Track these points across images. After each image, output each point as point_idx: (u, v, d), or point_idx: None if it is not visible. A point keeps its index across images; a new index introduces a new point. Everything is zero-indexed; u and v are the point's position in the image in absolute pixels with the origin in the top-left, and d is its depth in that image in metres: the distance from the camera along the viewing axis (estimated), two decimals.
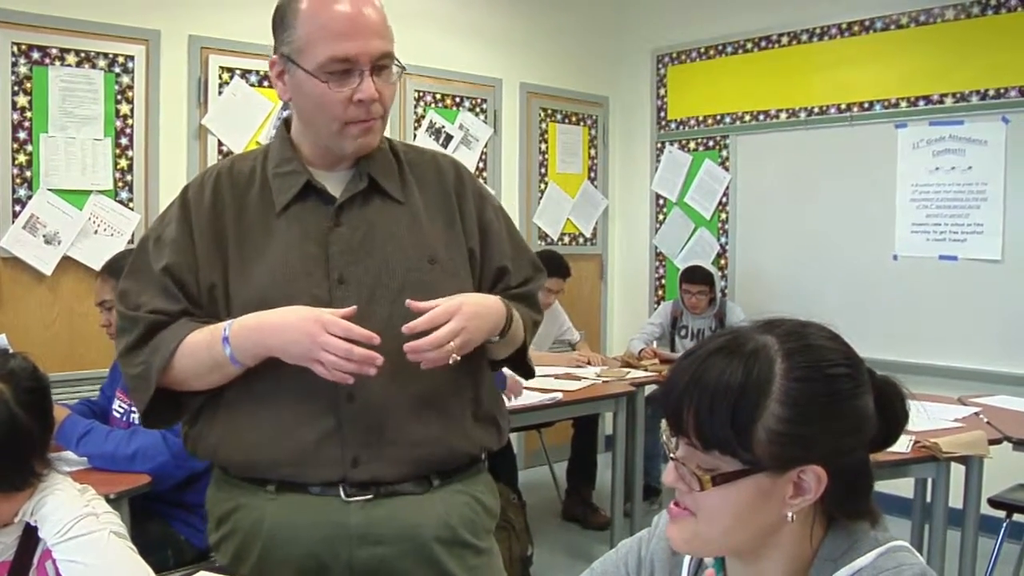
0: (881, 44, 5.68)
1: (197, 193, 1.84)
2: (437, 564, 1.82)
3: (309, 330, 1.64)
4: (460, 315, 1.71)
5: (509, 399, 3.84)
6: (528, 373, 2.14)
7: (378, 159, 1.87)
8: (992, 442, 3.33)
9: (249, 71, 5.07)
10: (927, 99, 5.47)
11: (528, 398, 4.02)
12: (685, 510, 1.18)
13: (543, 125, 6.70)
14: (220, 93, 5.00)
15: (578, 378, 4.65)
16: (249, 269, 1.79)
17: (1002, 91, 5.19)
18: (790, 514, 1.15)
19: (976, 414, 3.77)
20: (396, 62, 1.79)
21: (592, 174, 7.07)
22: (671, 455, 1.18)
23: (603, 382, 4.63)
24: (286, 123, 1.90)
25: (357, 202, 1.84)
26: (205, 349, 1.73)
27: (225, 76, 5.01)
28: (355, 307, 1.69)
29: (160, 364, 1.73)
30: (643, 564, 1.39)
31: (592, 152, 7.07)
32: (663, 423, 1.19)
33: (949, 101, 5.39)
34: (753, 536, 1.17)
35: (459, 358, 1.72)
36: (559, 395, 4.17)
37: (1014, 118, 5.15)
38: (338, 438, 1.76)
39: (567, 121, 6.88)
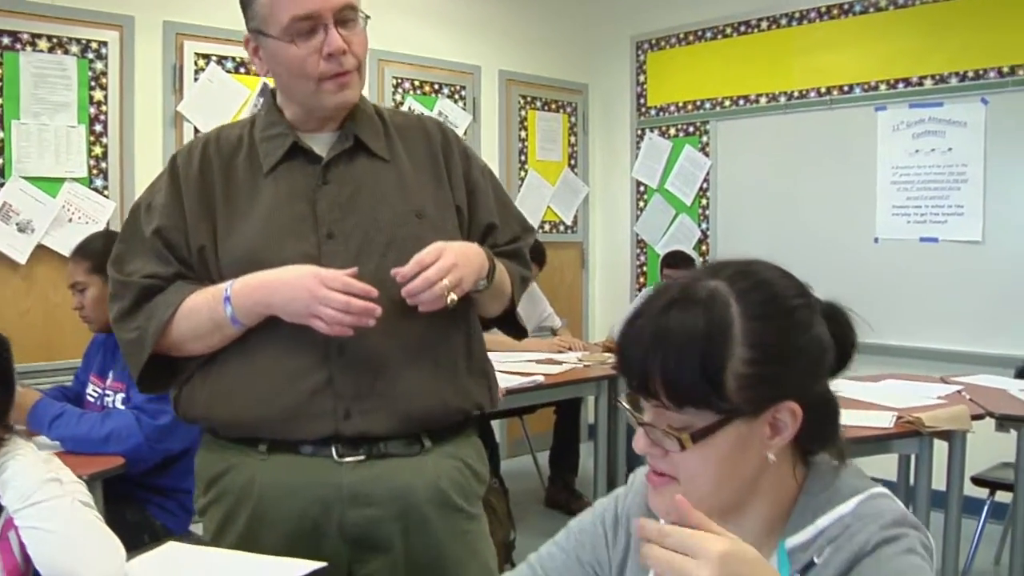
0: (860, 27, 5.67)
1: (185, 160, 1.86)
2: (428, 527, 1.83)
3: (308, 285, 1.67)
4: (448, 254, 1.73)
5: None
6: (520, 332, 2.15)
7: (363, 120, 1.89)
8: (974, 418, 3.32)
9: (225, 57, 5.03)
10: (906, 82, 5.47)
11: (509, 381, 3.98)
12: (665, 476, 1.16)
13: (522, 112, 6.67)
14: (196, 79, 4.95)
15: (559, 363, 4.63)
16: (237, 229, 1.80)
17: (981, 72, 5.20)
18: (771, 455, 1.13)
19: (958, 392, 3.76)
20: (361, 13, 1.81)
21: (572, 161, 7.04)
22: (639, 422, 1.16)
23: (584, 366, 4.60)
24: (272, 93, 1.92)
25: (343, 160, 1.86)
26: (205, 311, 1.75)
27: (201, 62, 4.97)
28: (355, 268, 1.71)
29: (156, 328, 1.75)
30: (620, 520, 1.36)
31: (572, 139, 7.04)
32: (623, 392, 1.17)
33: (928, 83, 5.39)
34: (739, 487, 1.15)
35: (456, 299, 1.74)
36: (540, 378, 4.14)
37: (993, 99, 5.15)
38: (330, 391, 1.76)
39: (547, 108, 6.85)
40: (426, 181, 1.92)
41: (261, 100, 1.91)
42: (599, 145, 7.20)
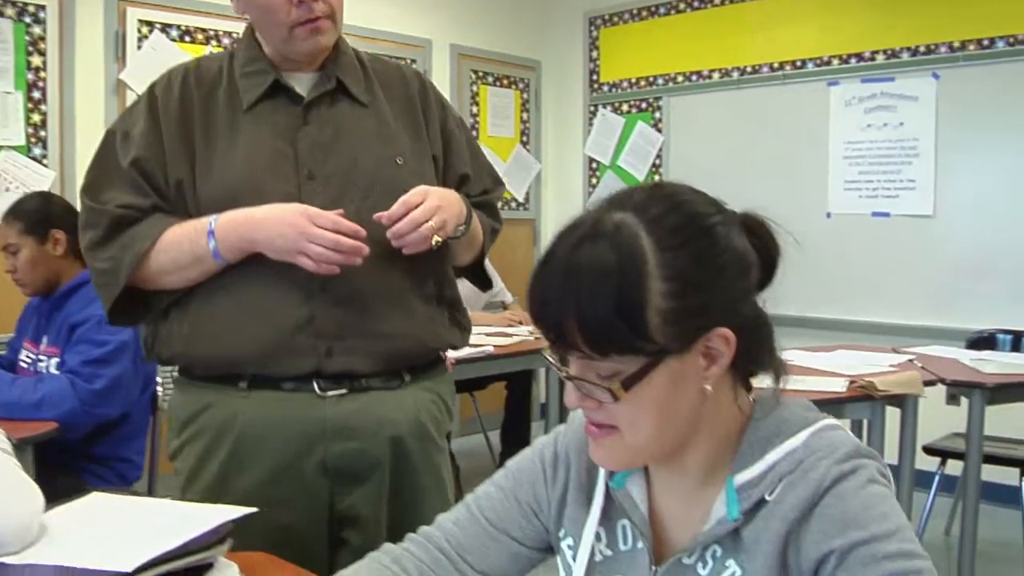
0: (813, 3, 5.66)
1: (164, 90, 1.83)
2: (408, 458, 1.85)
3: (296, 222, 1.67)
4: (432, 196, 1.74)
5: None
6: (487, 283, 2.16)
7: (344, 63, 1.89)
8: (926, 384, 3.31)
9: (170, 25, 4.90)
10: (859, 57, 5.47)
11: (458, 352, 3.91)
12: (603, 427, 1.09)
13: (474, 88, 6.59)
14: (139, 47, 4.82)
15: (509, 336, 4.56)
16: (217, 165, 1.78)
17: (932, 47, 5.21)
18: (708, 387, 1.06)
19: (910, 361, 3.75)
20: None
21: (524, 138, 6.97)
22: (564, 375, 1.08)
23: (535, 339, 4.53)
24: (251, 27, 1.90)
25: (325, 102, 1.85)
26: (186, 244, 1.73)
27: (144, 30, 4.83)
28: (342, 210, 1.71)
29: (133, 259, 1.73)
30: (559, 457, 1.28)
31: (524, 116, 6.97)
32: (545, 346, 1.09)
33: (880, 58, 5.39)
34: (682, 426, 1.09)
35: (440, 240, 1.75)
36: (490, 348, 4.08)
37: (944, 74, 5.16)
38: (312, 329, 1.75)
39: (499, 84, 6.77)
40: (404, 127, 1.92)
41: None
42: (551, 121, 7.13)
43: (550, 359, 1.10)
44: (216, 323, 1.77)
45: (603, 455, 1.12)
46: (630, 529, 1.20)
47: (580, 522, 1.23)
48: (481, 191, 2.04)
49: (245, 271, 1.75)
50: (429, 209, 1.72)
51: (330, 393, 1.78)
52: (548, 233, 6.97)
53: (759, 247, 1.10)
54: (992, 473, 3.70)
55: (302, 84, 1.85)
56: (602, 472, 1.22)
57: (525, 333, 4.70)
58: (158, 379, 3.26)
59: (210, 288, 1.77)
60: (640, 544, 1.18)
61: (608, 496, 1.22)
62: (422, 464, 1.87)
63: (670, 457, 1.13)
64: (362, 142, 1.84)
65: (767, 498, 1.07)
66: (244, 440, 1.77)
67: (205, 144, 1.80)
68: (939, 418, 3.91)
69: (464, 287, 5.46)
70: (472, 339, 4.18)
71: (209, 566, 1.34)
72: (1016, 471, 4.05)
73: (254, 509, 1.50)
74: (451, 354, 3.77)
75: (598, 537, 1.22)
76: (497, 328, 4.83)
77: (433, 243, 1.73)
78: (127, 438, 3.08)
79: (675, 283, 1.00)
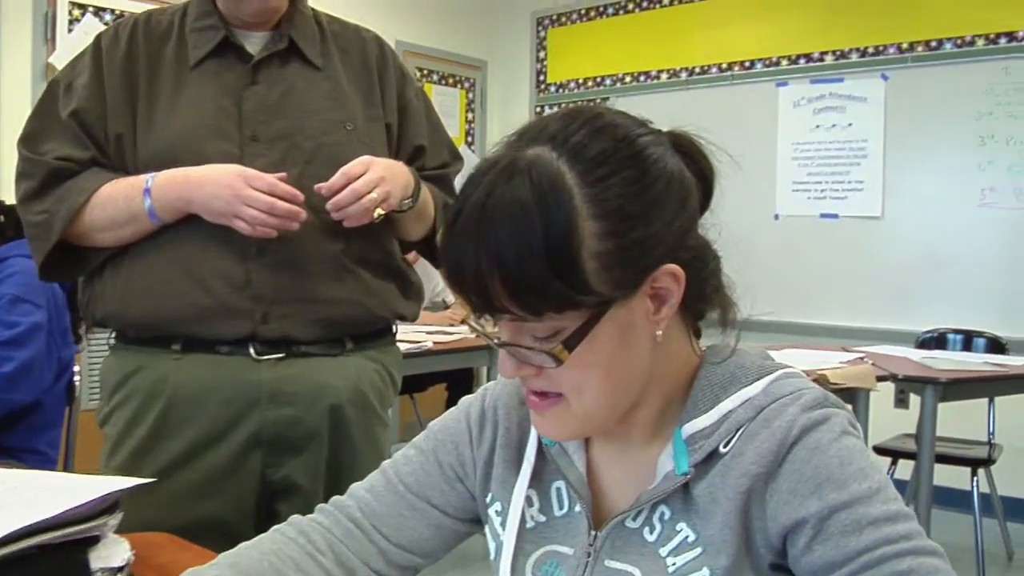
0: (761, 3, 5.61)
1: (111, 42, 1.78)
2: (347, 428, 1.78)
3: (232, 183, 1.62)
4: (375, 167, 1.68)
5: None
6: (438, 260, 2.00)
7: (300, 23, 1.83)
8: (878, 380, 3.21)
9: (104, 9, 4.72)
10: (807, 57, 5.43)
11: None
12: (548, 396, 0.94)
13: (419, 85, 6.43)
14: (70, 31, 4.62)
15: (450, 333, 4.42)
16: (158, 121, 1.73)
17: (881, 48, 5.18)
18: (660, 332, 0.92)
19: (860, 358, 3.66)
20: None
21: (469, 138, 6.84)
22: (495, 343, 0.93)
23: (476, 336, 4.39)
24: None
25: (275, 62, 1.79)
26: (122, 201, 1.68)
27: (76, 12, 4.65)
28: (283, 173, 1.65)
29: (67, 214, 1.68)
30: (486, 414, 1.13)
31: (469, 115, 6.84)
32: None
33: (829, 59, 5.36)
34: (634, 384, 0.95)
35: (383, 213, 1.70)
36: (429, 344, 3.92)
37: (893, 75, 5.14)
38: (248, 292, 1.69)
39: (444, 83, 6.63)
40: (358, 93, 1.85)
41: None
42: (497, 122, 6.99)
43: (477, 327, 0.94)
44: (150, 282, 1.70)
45: (549, 427, 0.97)
46: (565, 491, 1.05)
47: (509, 485, 1.08)
48: (439, 164, 1.97)
49: (181, 230, 1.69)
50: (371, 180, 1.66)
51: (266, 357, 1.72)
52: None
53: (693, 168, 0.96)
54: (941, 476, 3.63)
55: (253, 43, 1.78)
56: (534, 428, 1.07)
57: (466, 331, 4.57)
58: (75, 367, 3.07)
59: (145, 247, 1.71)
60: (577, 507, 1.03)
61: (541, 455, 1.07)
62: (361, 435, 1.80)
63: (625, 417, 0.99)
64: (311, 105, 1.78)
65: (722, 450, 0.94)
66: (174, 404, 1.70)
67: (148, 99, 1.74)
68: (888, 420, 3.84)
69: None
70: (411, 336, 4.13)
71: (95, 540, 1.17)
72: (967, 474, 3.99)
73: (150, 480, 1.35)
74: None
75: (529, 501, 1.07)
76: (438, 327, 4.69)
77: (375, 216, 1.68)
78: (38, 428, 2.88)
79: (609, 219, 0.86)
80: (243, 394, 1.70)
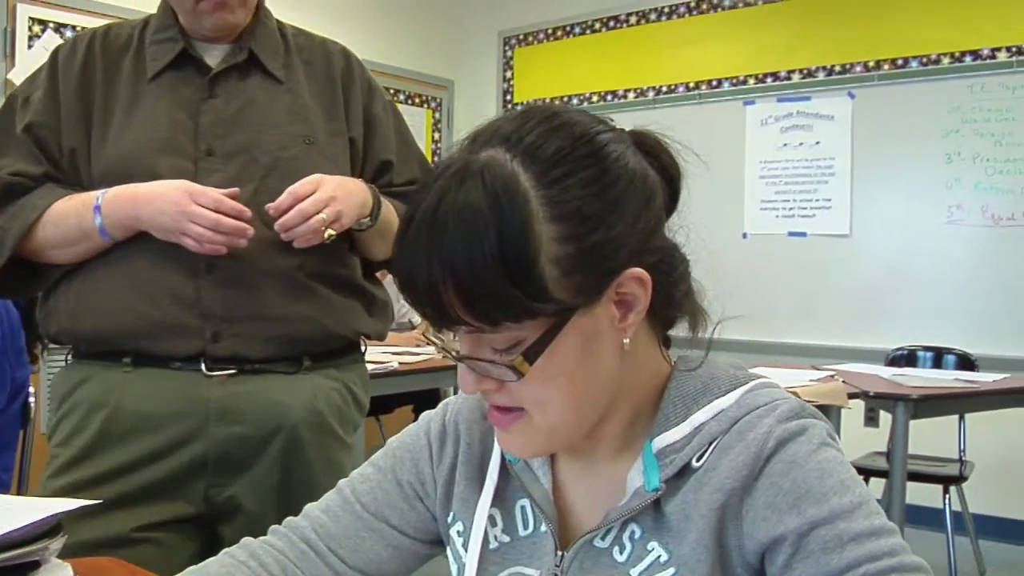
0: (729, 22, 5.61)
1: (68, 55, 1.75)
2: (300, 450, 1.71)
3: (177, 200, 1.58)
4: (325, 185, 1.63)
5: None
6: None
7: (262, 35, 1.79)
8: (849, 396, 3.18)
9: (64, 25, 4.66)
10: (774, 76, 5.43)
11: None
12: (511, 411, 0.89)
13: (388, 99, 6.38)
14: (30, 47, 4.56)
15: (416, 354, 4.35)
16: (113, 134, 1.69)
17: (848, 67, 5.19)
18: (627, 340, 0.87)
19: (831, 376, 3.63)
20: None
21: (436, 158, 6.74)
22: (453, 357, 0.88)
23: (443, 356, 4.33)
24: None
25: (235, 75, 1.75)
26: (74, 218, 1.64)
27: (36, 28, 4.59)
28: (236, 189, 1.61)
29: (19, 231, 1.65)
30: (447, 430, 1.07)
31: (436, 135, 6.80)
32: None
33: (796, 77, 5.36)
34: (601, 396, 0.90)
35: (334, 234, 1.63)
36: (395, 364, 3.85)
37: (860, 93, 5.15)
38: (197, 309, 1.65)
39: (410, 102, 6.59)
40: (320, 107, 1.80)
41: None
42: None
43: (435, 340, 0.90)
44: (99, 298, 1.66)
45: (514, 443, 0.92)
46: (531, 509, 1.00)
47: (471, 503, 1.02)
48: (408, 180, 1.90)
49: (132, 247, 1.65)
50: (320, 200, 1.60)
51: (217, 373, 1.67)
52: None
53: (657, 167, 0.91)
54: (912, 494, 3.60)
55: (213, 55, 1.75)
56: (497, 444, 1.02)
57: (433, 352, 4.51)
58: (31, 388, 2.97)
59: (96, 263, 1.68)
60: (543, 527, 0.97)
61: (504, 472, 1.02)
62: (317, 460, 1.73)
63: (592, 431, 0.93)
64: (270, 119, 1.73)
65: (694, 464, 0.89)
66: (118, 416, 1.65)
67: (103, 112, 1.71)
68: (857, 439, 3.80)
69: None
70: (377, 356, 4.05)
71: (35, 566, 1.11)
72: (938, 492, 3.96)
73: (95, 501, 1.30)
74: None
75: (492, 521, 1.01)
76: (404, 347, 4.63)
77: (326, 236, 1.62)
78: None
79: (568, 222, 0.81)
80: (191, 410, 1.65)
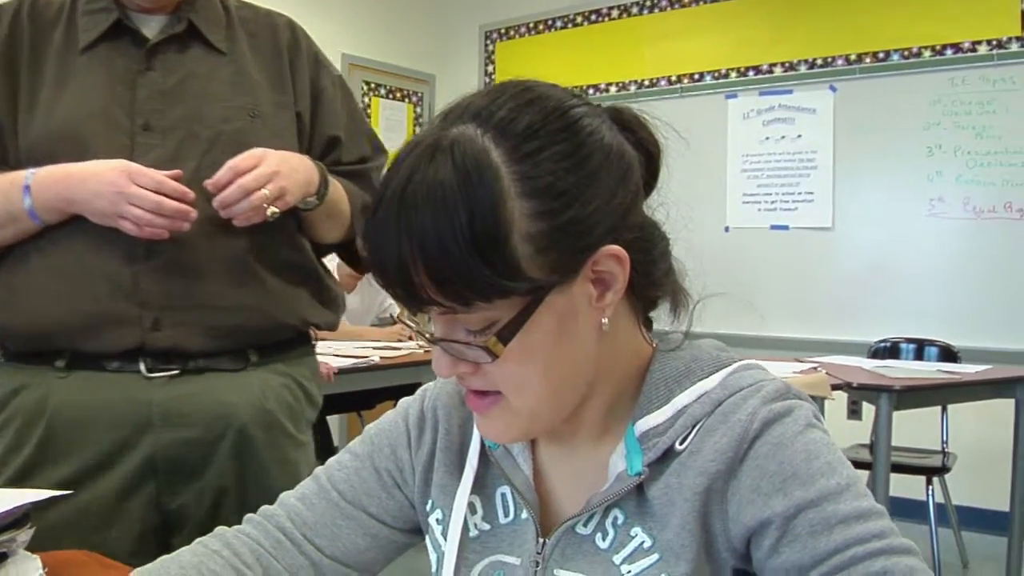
0: (710, 15, 5.60)
1: None
2: (252, 451, 1.61)
3: (115, 180, 1.47)
4: (268, 160, 1.53)
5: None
6: (363, 266, 1.88)
7: (202, 6, 1.68)
8: (832, 388, 3.18)
9: None
10: (756, 69, 5.42)
11: (343, 363, 3.68)
12: (488, 395, 0.87)
13: (366, 99, 6.35)
14: None
15: (398, 349, 4.33)
16: (42, 109, 1.58)
17: (829, 60, 5.19)
18: (605, 320, 0.85)
19: (814, 368, 3.62)
20: None
21: None
22: (427, 339, 0.86)
23: (424, 351, 4.31)
24: None
25: (174, 46, 1.64)
26: (1, 198, 1.53)
27: None
28: (179, 171, 1.51)
29: None
30: (425, 416, 1.05)
31: (417, 130, 6.64)
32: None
33: (778, 71, 5.35)
34: (579, 378, 0.88)
35: (278, 212, 1.54)
36: (376, 359, 3.83)
37: (841, 86, 5.15)
38: (135, 297, 1.54)
39: (391, 97, 6.54)
40: (265, 79, 1.70)
41: None
42: None
43: (410, 323, 0.90)
44: (30, 288, 1.56)
45: (492, 428, 0.90)
46: (511, 496, 0.98)
47: (451, 491, 1.00)
48: (358, 158, 1.82)
49: (64, 230, 1.54)
50: (262, 175, 1.50)
51: (158, 374, 1.57)
52: None
53: (634, 141, 0.89)
54: (895, 486, 3.60)
55: (150, 26, 1.63)
56: (476, 430, 1.00)
57: (414, 347, 4.48)
58: None
59: (27, 248, 1.56)
60: (524, 514, 0.95)
61: (484, 459, 1.00)
62: (270, 461, 1.63)
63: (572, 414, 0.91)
64: (211, 92, 1.63)
65: (678, 447, 0.87)
66: (57, 427, 1.54)
67: (30, 86, 1.59)
68: (840, 432, 3.80)
69: (352, 300, 5.17)
70: (358, 351, 4.03)
71: (2, 558, 1.09)
72: (920, 484, 3.97)
73: (66, 492, 1.29)
74: (333, 363, 3.60)
75: (472, 508, 0.99)
76: (385, 343, 4.60)
77: (268, 215, 1.52)
78: None
79: (541, 198, 0.79)
80: (132, 416, 1.55)
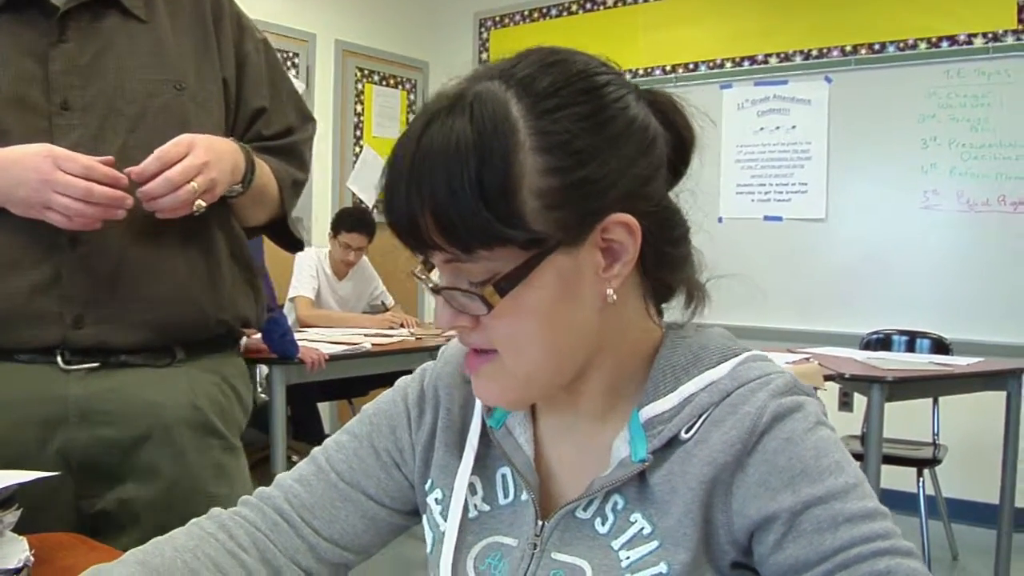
0: (706, 5, 5.59)
1: None
2: (179, 453, 1.50)
3: (38, 167, 1.33)
4: (198, 149, 1.40)
5: (312, 369, 3.49)
6: (295, 244, 1.80)
7: None
8: (824, 379, 3.17)
9: None
10: (752, 59, 5.40)
11: (334, 349, 3.67)
12: (484, 354, 0.86)
13: (359, 86, 6.32)
14: None
15: (389, 336, 4.32)
16: None
17: (825, 51, 5.17)
18: (611, 291, 0.84)
19: (806, 359, 3.62)
20: None
21: None
22: (430, 287, 0.86)
23: (416, 339, 4.30)
24: None
25: (87, 15, 1.48)
26: None
27: None
28: (111, 157, 1.38)
29: None
30: (426, 395, 1.04)
31: (410, 117, 6.67)
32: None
33: (773, 61, 5.34)
34: (579, 346, 0.86)
35: (204, 206, 1.42)
36: (368, 345, 3.82)
37: (836, 77, 5.14)
38: (56, 291, 1.42)
39: (385, 83, 6.52)
40: (190, 47, 1.57)
41: None
42: None
43: (417, 275, 0.89)
44: None
45: (488, 390, 0.89)
46: (512, 478, 0.97)
47: (451, 470, 0.99)
48: (284, 129, 1.70)
49: None
50: (191, 167, 1.38)
51: (75, 367, 1.46)
52: None
53: (666, 123, 0.89)
54: (886, 478, 3.60)
55: None
56: (478, 409, 0.99)
57: (406, 334, 4.47)
58: None
59: None
60: (524, 495, 0.94)
61: (485, 439, 0.98)
62: (199, 465, 1.53)
63: (570, 387, 0.90)
64: (132, 63, 1.49)
65: (683, 436, 0.85)
66: None
67: None
68: (832, 423, 3.80)
69: (344, 287, 5.12)
70: (349, 337, 4.02)
71: None
72: (911, 476, 3.97)
73: (53, 473, 1.23)
74: (324, 349, 3.58)
75: (472, 489, 0.98)
76: (376, 330, 4.60)
77: (195, 208, 1.41)
78: None
79: (555, 154, 0.79)
80: (44, 412, 1.44)
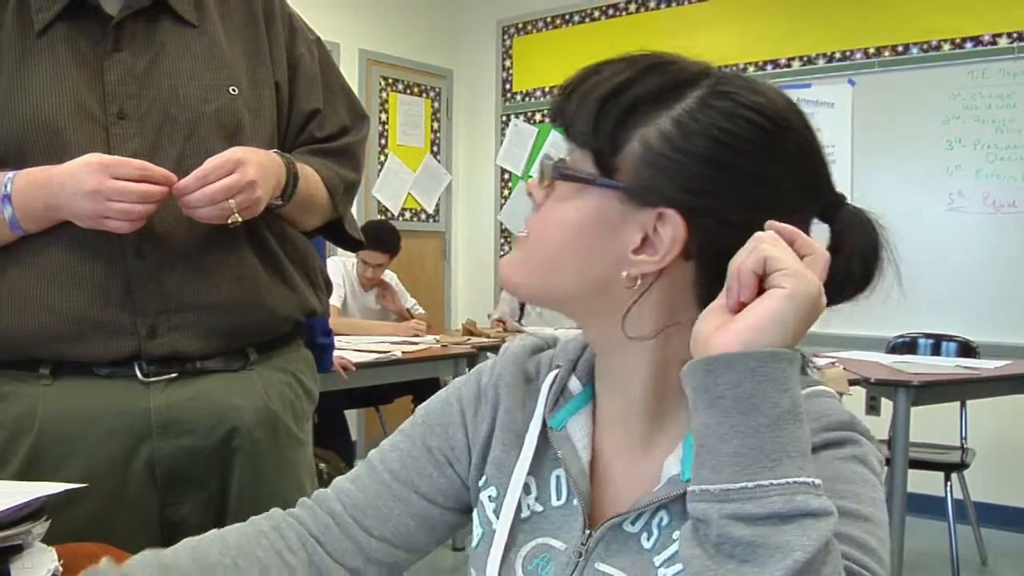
0: (728, 9, 5.59)
1: None
2: (257, 456, 1.54)
3: (87, 178, 1.32)
4: (246, 168, 1.39)
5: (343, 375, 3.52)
6: (354, 244, 1.82)
7: None
8: (850, 384, 3.17)
9: None
10: (775, 63, 5.40)
11: (363, 358, 3.69)
12: (525, 232, 0.95)
13: (383, 94, 6.36)
14: None
15: (416, 344, 4.34)
16: (1, 101, 1.42)
17: (848, 53, 5.16)
18: (625, 273, 0.87)
19: (832, 363, 3.61)
20: None
21: (435, 148, 6.76)
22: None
23: (442, 346, 4.32)
24: None
25: (140, 22, 1.48)
26: None
27: None
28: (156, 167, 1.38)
29: None
30: (483, 393, 1.06)
31: (435, 125, 6.76)
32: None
33: (796, 64, 5.33)
34: (580, 271, 0.90)
35: (240, 220, 1.41)
36: (397, 354, 3.84)
37: (860, 80, 5.12)
38: (128, 304, 1.43)
39: (409, 92, 6.56)
40: (242, 52, 1.57)
41: None
42: (463, 131, 6.94)
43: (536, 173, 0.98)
44: (10, 296, 1.43)
45: (507, 261, 0.96)
46: (565, 480, 0.98)
47: (507, 468, 1.01)
48: (337, 130, 1.69)
49: (43, 235, 1.42)
50: (236, 186, 1.37)
51: (155, 379, 1.46)
52: (458, 246, 6.82)
53: (852, 240, 0.99)
54: (913, 483, 3.59)
55: (111, 2, 1.46)
56: (539, 409, 1.01)
57: (431, 342, 4.49)
58: None
59: (4, 255, 1.44)
60: (575, 501, 0.96)
61: (543, 439, 1.00)
62: (275, 465, 1.57)
63: (612, 360, 0.95)
64: (186, 69, 1.49)
65: None
66: (45, 440, 1.43)
67: None
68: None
69: (369, 298, 5.13)
70: (376, 345, 4.05)
71: (19, 550, 1.09)
72: (939, 480, 3.95)
73: (80, 485, 1.22)
74: (353, 358, 3.61)
75: (527, 489, 1.00)
76: (402, 337, 4.62)
77: (229, 222, 1.40)
78: None
79: (678, 132, 0.85)
80: (129, 425, 1.45)
